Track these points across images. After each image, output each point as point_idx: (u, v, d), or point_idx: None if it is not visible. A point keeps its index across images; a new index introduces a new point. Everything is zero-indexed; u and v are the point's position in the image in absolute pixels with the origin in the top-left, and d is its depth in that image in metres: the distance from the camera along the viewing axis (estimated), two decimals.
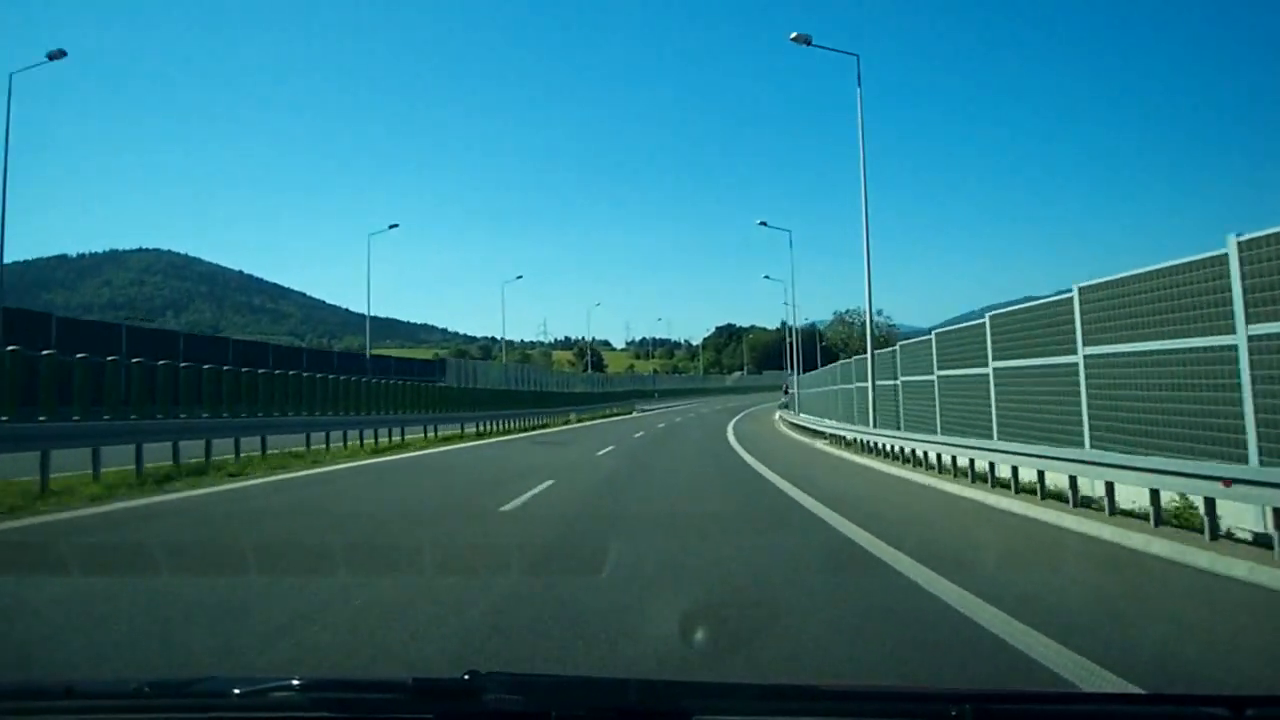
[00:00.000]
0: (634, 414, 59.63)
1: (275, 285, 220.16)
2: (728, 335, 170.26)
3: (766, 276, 70.43)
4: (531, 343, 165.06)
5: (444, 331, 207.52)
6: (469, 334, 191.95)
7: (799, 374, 45.43)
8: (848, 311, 77.08)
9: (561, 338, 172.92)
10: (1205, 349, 7.99)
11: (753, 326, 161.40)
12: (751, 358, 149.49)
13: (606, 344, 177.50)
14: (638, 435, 30.27)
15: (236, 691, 1.73)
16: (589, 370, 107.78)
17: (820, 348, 66.32)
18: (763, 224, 43.00)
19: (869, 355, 20.28)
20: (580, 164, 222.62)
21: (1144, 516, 7.87)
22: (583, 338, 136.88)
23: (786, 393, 51.52)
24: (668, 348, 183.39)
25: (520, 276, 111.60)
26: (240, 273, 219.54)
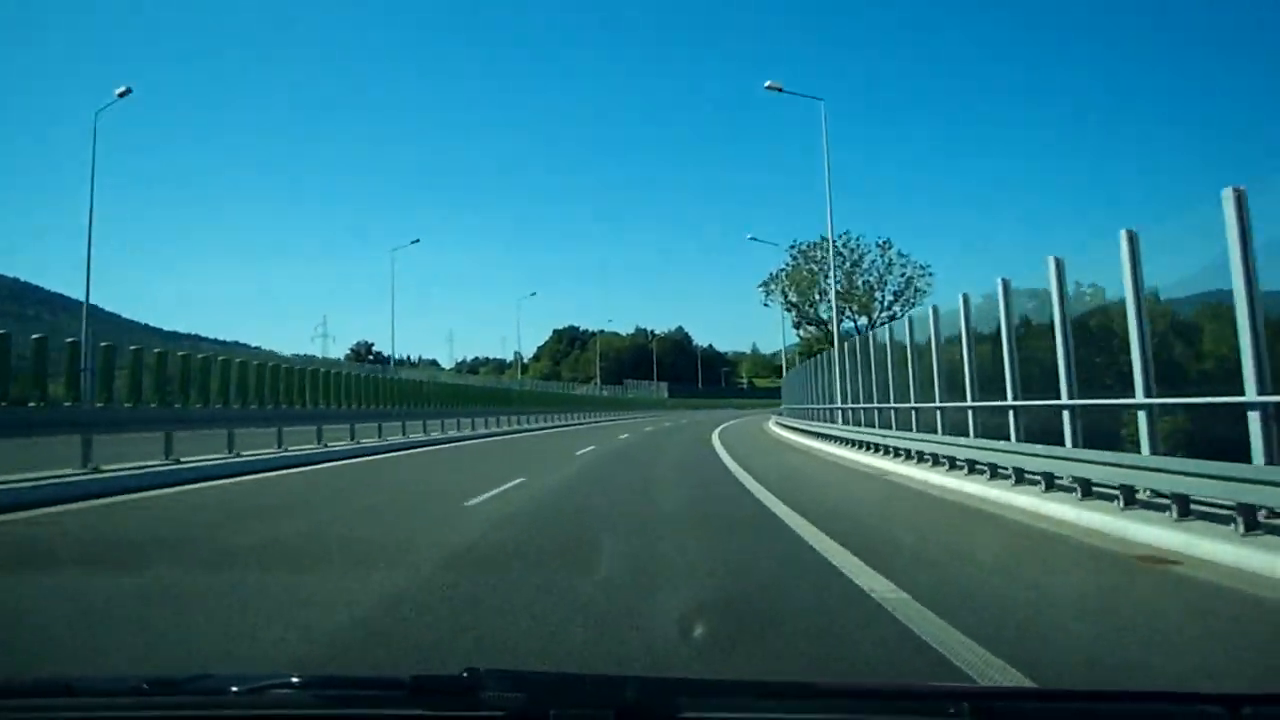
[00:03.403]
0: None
1: (59, 295, 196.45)
2: (569, 340, 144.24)
3: (764, 300, 49.94)
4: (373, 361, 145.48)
5: (255, 349, 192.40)
6: (281, 351, 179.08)
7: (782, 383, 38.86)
8: (811, 244, 50.41)
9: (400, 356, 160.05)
10: None
11: (601, 331, 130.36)
12: (601, 367, 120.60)
13: (435, 363, 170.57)
14: None
15: (235, 689, 1.74)
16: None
17: (704, 356, 49.13)
18: (753, 239, 42.29)
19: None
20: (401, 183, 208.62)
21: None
22: (372, 344, 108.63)
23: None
24: (495, 365, 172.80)
25: (534, 293, 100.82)
26: (16, 280, 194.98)
